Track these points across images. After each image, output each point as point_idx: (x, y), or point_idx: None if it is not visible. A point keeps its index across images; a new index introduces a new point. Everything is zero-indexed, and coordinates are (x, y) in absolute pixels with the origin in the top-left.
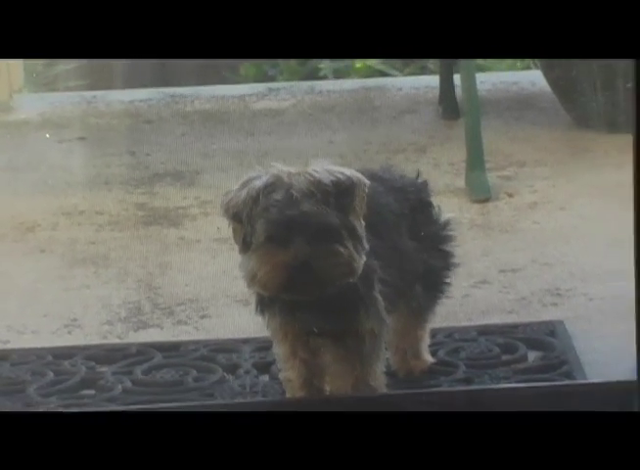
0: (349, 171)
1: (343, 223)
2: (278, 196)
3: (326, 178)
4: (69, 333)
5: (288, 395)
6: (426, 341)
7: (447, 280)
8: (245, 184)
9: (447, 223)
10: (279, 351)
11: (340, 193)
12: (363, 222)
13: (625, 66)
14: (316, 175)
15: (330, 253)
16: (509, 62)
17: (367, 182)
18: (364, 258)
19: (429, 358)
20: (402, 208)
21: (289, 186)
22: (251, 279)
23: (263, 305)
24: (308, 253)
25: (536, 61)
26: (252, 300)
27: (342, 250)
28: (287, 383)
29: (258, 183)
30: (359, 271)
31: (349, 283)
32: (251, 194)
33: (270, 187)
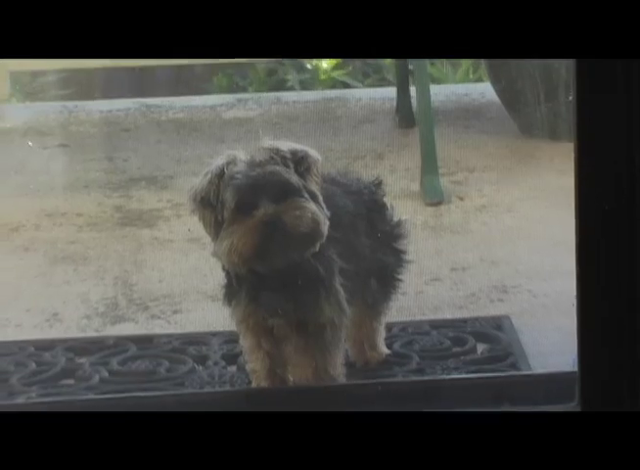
0: (302, 146)
1: (304, 186)
2: (240, 167)
3: (283, 146)
4: (50, 326)
5: (254, 384)
6: (381, 333)
7: (400, 276)
8: (207, 172)
9: (399, 223)
10: (245, 343)
11: (297, 161)
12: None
13: (566, 78)
14: (273, 145)
15: (295, 206)
16: (461, 74)
17: (319, 156)
18: (327, 223)
19: (384, 350)
20: (358, 208)
21: (249, 158)
22: (228, 252)
23: (231, 293)
24: (275, 210)
25: (485, 73)
26: (220, 293)
27: (306, 205)
28: (252, 373)
29: (219, 162)
30: (324, 233)
31: (312, 271)
32: (215, 172)
33: (231, 163)
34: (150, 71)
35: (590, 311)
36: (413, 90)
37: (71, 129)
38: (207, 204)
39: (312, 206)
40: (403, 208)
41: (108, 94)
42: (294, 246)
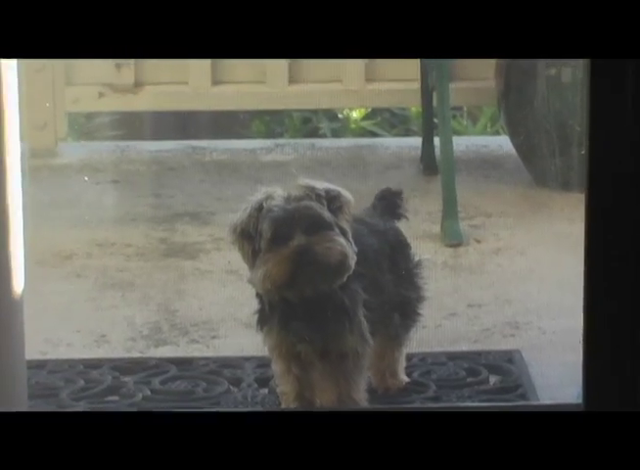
0: (335, 186)
1: (335, 222)
2: (277, 201)
3: (318, 185)
4: (98, 347)
5: (283, 406)
6: (402, 363)
7: (420, 310)
8: (246, 207)
9: (420, 262)
10: (276, 367)
11: (330, 199)
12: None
13: (580, 134)
14: (309, 183)
15: (326, 238)
16: (480, 127)
17: (351, 197)
18: (354, 257)
19: (404, 378)
20: (383, 247)
21: (285, 194)
22: (263, 279)
23: (263, 320)
24: (308, 241)
25: (504, 127)
26: (254, 319)
27: (336, 238)
28: (282, 396)
29: (258, 197)
30: (352, 266)
31: (339, 302)
32: (254, 206)
33: (269, 198)
34: (195, 116)
35: (597, 334)
36: (437, 140)
37: (122, 167)
38: (246, 235)
39: (342, 240)
40: (425, 248)
41: (156, 136)
42: (323, 276)
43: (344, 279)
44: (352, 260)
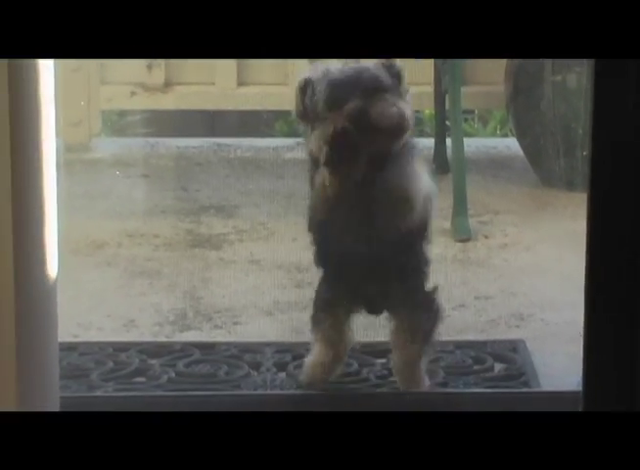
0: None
1: (396, 89)
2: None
3: (378, 60)
4: (127, 331)
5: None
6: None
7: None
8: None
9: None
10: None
11: (392, 73)
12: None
13: (583, 137)
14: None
15: (383, 100)
16: (490, 129)
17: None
18: (414, 117)
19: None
20: None
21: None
22: (318, 142)
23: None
24: (364, 104)
25: (512, 130)
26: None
27: (394, 101)
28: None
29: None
30: (410, 126)
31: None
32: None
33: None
34: (221, 115)
35: (598, 326)
36: (449, 141)
37: (152, 162)
38: (306, 96)
39: (399, 101)
40: (436, 243)
41: (184, 133)
42: (379, 138)
43: (403, 141)
44: (411, 120)
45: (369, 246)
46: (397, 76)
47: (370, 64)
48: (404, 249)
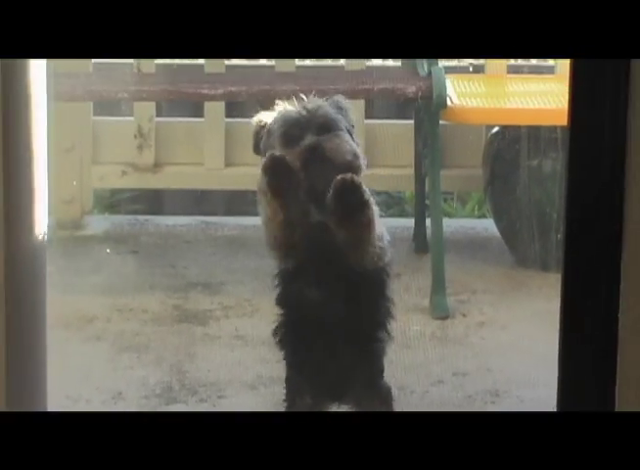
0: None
1: (345, 126)
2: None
3: (324, 99)
4: (115, 403)
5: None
6: None
7: None
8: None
9: None
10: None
11: (338, 108)
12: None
13: (557, 222)
14: (318, 98)
15: (337, 137)
16: (468, 210)
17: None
18: (365, 159)
19: None
20: None
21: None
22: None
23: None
24: (318, 139)
25: (489, 212)
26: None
27: (346, 139)
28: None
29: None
30: (361, 166)
31: None
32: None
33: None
34: (208, 194)
35: (571, 404)
36: (428, 222)
37: (141, 239)
38: (263, 136)
39: (351, 140)
40: (415, 320)
41: (173, 211)
42: (333, 173)
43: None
44: (362, 160)
45: (332, 310)
46: (344, 113)
47: (320, 101)
48: (365, 315)
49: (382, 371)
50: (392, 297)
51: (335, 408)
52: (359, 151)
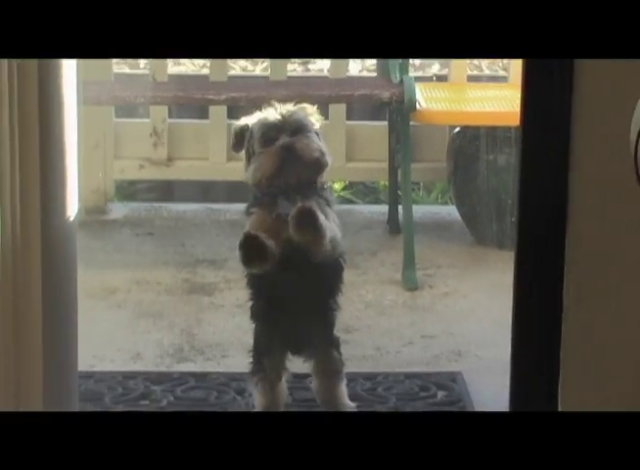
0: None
1: (313, 129)
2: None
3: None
4: (134, 362)
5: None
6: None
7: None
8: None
9: None
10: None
11: (305, 113)
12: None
13: (511, 206)
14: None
15: (306, 138)
16: (433, 198)
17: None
18: (331, 156)
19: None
20: None
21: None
22: (254, 172)
23: (251, 206)
24: (291, 140)
25: (452, 199)
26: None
27: (315, 139)
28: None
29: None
30: (328, 163)
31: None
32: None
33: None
34: (213, 184)
35: (522, 361)
36: (400, 208)
37: (156, 222)
38: (242, 140)
39: (319, 141)
40: (389, 291)
41: (183, 199)
42: (303, 169)
43: (322, 175)
44: (329, 158)
45: (294, 288)
46: (316, 120)
47: (293, 108)
48: (321, 294)
49: (332, 328)
50: (344, 278)
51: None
52: (325, 149)
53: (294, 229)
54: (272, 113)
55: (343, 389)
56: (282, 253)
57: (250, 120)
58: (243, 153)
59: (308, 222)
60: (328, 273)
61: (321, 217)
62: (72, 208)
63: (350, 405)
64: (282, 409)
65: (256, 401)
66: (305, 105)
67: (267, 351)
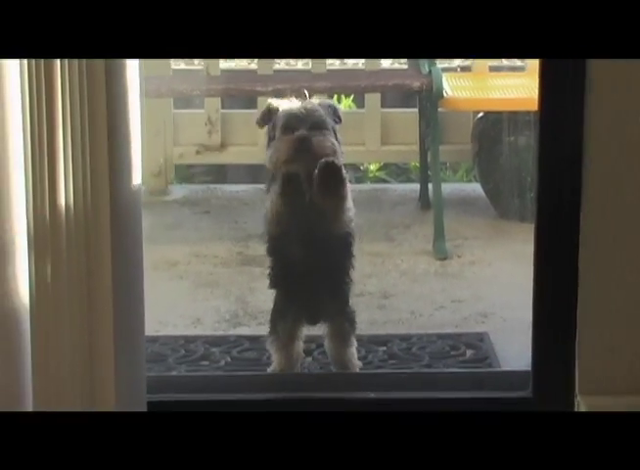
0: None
1: (333, 127)
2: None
3: (326, 101)
4: (195, 327)
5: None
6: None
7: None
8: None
9: None
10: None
11: (332, 111)
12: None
13: (531, 183)
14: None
15: (322, 134)
16: (459, 176)
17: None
18: (343, 155)
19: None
20: None
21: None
22: (271, 156)
23: (269, 187)
24: (308, 134)
25: (477, 177)
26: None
27: (330, 137)
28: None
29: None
30: (341, 162)
31: None
32: (274, 107)
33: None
34: (262, 167)
35: (542, 322)
36: (430, 186)
37: (212, 202)
38: (270, 119)
39: (334, 140)
40: (422, 261)
41: (235, 181)
42: (314, 162)
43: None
44: (341, 156)
45: (311, 261)
46: (337, 119)
47: (318, 106)
48: (335, 268)
49: (347, 302)
50: (354, 253)
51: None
52: (338, 148)
53: (318, 180)
54: (297, 104)
55: (353, 352)
56: (300, 223)
57: (279, 104)
58: (265, 134)
59: (333, 175)
60: (341, 245)
61: (344, 173)
62: (138, 189)
63: (358, 365)
64: (296, 369)
65: (273, 358)
66: (330, 102)
67: (281, 317)
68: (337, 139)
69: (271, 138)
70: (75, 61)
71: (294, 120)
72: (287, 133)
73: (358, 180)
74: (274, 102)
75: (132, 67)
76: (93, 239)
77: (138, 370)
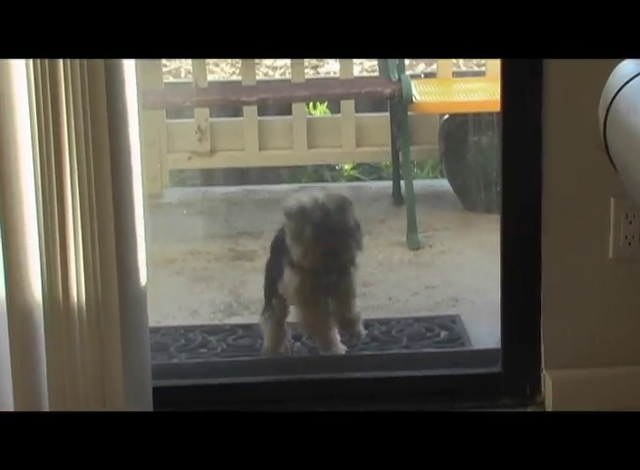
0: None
1: (355, 229)
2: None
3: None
4: (192, 318)
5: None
6: None
7: None
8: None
9: None
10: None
11: (344, 205)
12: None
13: (495, 178)
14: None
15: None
16: (426, 173)
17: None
18: (361, 246)
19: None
20: None
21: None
22: (301, 255)
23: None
24: (335, 244)
25: (444, 173)
26: None
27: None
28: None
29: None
30: (354, 257)
31: None
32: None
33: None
34: (249, 170)
35: (509, 304)
36: (402, 183)
37: (204, 203)
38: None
39: (354, 244)
40: (396, 252)
41: (225, 183)
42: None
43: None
44: (358, 251)
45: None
46: (357, 225)
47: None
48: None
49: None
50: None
51: None
52: (356, 251)
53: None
54: (312, 196)
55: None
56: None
57: (304, 203)
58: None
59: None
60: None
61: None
62: (138, 192)
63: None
64: (284, 345)
65: (265, 336)
66: (341, 195)
67: (275, 292)
68: (356, 238)
69: (296, 235)
70: (77, 62)
71: (314, 212)
72: (310, 230)
73: (334, 179)
74: (300, 202)
75: (130, 71)
76: (101, 238)
77: (143, 360)
